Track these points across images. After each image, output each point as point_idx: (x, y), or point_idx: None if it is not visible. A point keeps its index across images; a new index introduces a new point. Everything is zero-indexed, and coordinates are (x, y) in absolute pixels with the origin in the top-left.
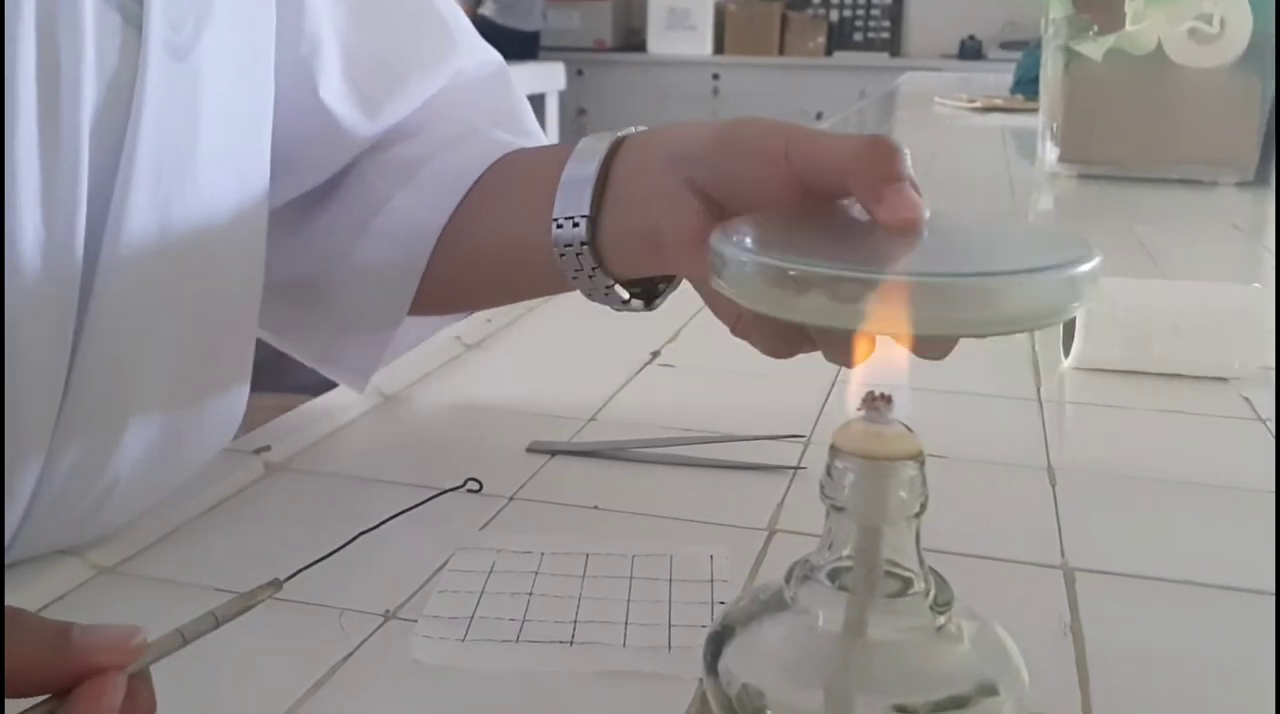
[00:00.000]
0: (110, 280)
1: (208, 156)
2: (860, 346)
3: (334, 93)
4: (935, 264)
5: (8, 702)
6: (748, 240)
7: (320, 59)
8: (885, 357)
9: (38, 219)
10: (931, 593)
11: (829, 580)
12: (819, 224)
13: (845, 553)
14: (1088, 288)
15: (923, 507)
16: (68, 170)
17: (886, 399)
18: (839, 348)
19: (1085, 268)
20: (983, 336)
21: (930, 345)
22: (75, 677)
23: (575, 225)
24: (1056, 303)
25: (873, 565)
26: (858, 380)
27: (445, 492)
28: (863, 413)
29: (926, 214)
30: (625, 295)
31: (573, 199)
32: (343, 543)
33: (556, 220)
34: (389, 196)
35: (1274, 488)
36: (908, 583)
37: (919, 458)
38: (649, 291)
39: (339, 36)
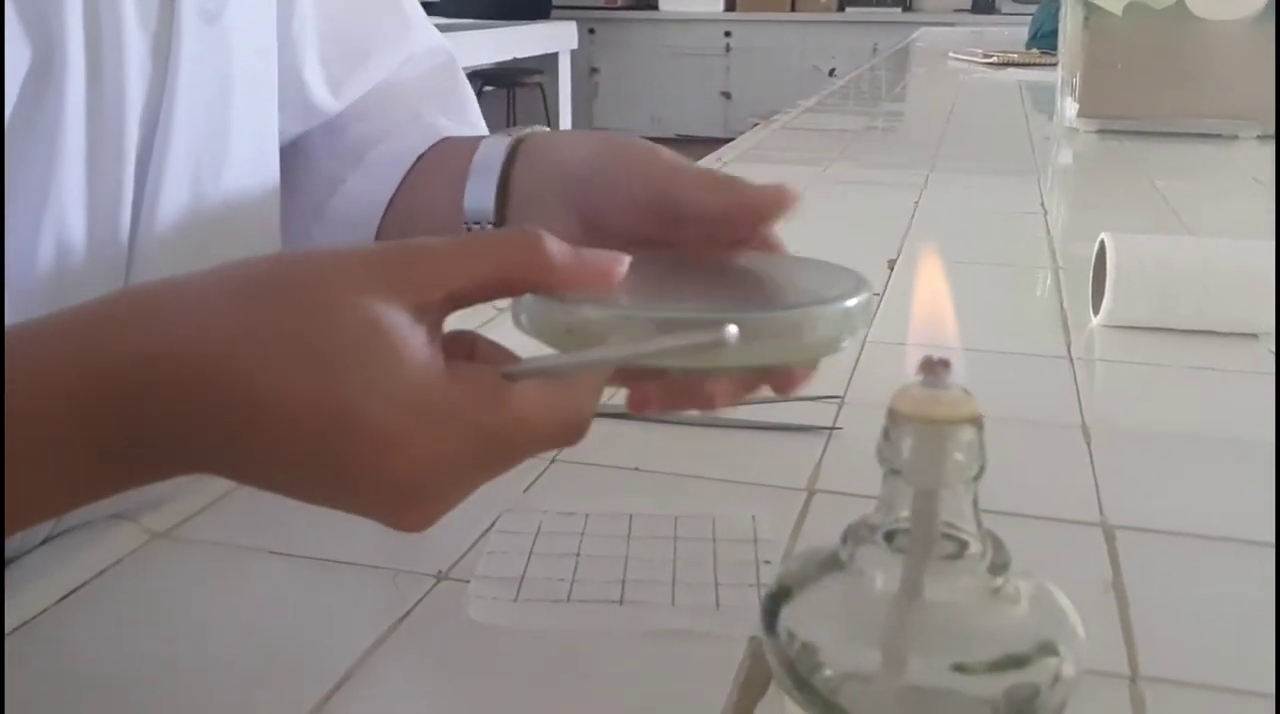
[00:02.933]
0: (151, 242)
1: (237, 119)
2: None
3: (312, 70)
4: (728, 304)
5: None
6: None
7: (306, 36)
8: (937, 321)
9: (82, 184)
10: (988, 555)
11: (886, 542)
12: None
13: (902, 515)
14: (859, 320)
15: (980, 470)
16: (112, 134)
17: (945, 364)
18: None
19: (854, 302)
20: (761, 369)
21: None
22: None
23: (483, 229)
24: (830, 335)
25: (930, 528)
26: (915, 345)
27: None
28: (920, 377)
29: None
30: None
31: (480, 198)
32: None
33: (466, 224)
34: (343, 178)
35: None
36: (964, 545)
37: (977, 421)
38: None
39: (313, 15)
